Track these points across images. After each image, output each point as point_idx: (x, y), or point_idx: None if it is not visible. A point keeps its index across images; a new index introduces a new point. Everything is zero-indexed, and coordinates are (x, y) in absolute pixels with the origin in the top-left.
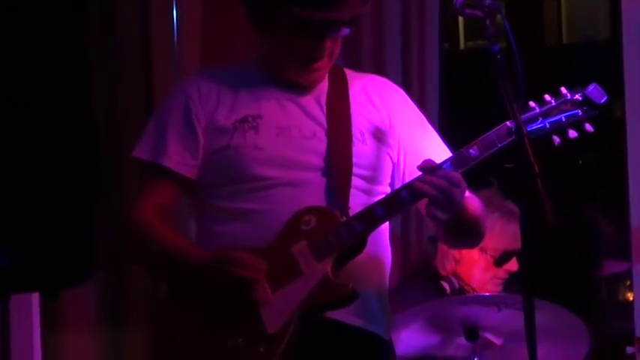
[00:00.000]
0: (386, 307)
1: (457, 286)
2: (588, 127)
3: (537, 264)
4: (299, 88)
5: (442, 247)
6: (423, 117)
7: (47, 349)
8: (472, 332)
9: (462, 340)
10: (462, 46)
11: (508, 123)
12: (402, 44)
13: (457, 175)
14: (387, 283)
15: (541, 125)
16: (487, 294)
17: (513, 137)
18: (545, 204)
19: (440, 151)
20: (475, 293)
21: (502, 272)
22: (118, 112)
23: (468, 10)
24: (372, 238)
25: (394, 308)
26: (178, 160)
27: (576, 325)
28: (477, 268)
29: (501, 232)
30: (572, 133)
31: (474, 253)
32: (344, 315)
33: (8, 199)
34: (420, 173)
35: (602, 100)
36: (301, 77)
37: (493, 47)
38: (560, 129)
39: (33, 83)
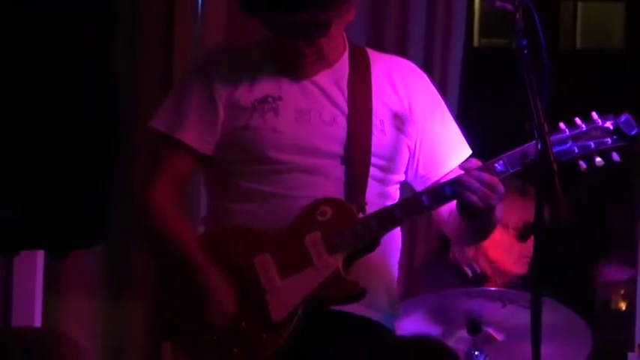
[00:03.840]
0: (393, 299)
1: (478, 271)
2: (615, 156)
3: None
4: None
5: None
6: (444, 105)
7: (48, 310)
8: (475, 326)
9: (463, 333)
10: (475, 43)
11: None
12: (426, 36)
13: (496, 180)
14: (396, 274)
15: (569, 148)
16: (493, 289)
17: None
18: (561, 204)
19: (457, 143)
20: (494, 280)
21: (528, 249)
22: (135, 87)
23: (498, 3)
24: None
25: (413, 292)
26: (196, 135)
27: (579, 326)
28: (502, 248)
29: (521, 207)
30: (599, 161)
31: (495, 233)
32: (349, 306)
33: (26, 157)
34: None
35: (633, 133)
36: (294, 70)
37: (521, 41)
38: (588, 155)
39: (55, 54)
